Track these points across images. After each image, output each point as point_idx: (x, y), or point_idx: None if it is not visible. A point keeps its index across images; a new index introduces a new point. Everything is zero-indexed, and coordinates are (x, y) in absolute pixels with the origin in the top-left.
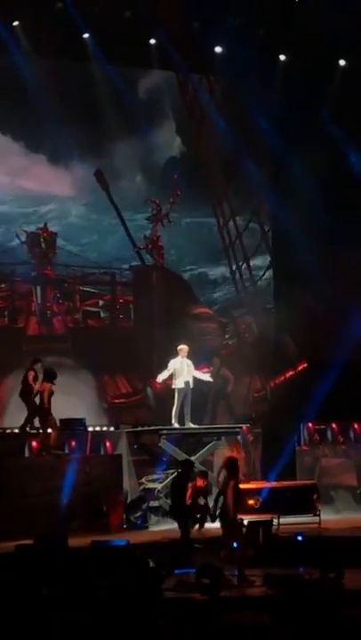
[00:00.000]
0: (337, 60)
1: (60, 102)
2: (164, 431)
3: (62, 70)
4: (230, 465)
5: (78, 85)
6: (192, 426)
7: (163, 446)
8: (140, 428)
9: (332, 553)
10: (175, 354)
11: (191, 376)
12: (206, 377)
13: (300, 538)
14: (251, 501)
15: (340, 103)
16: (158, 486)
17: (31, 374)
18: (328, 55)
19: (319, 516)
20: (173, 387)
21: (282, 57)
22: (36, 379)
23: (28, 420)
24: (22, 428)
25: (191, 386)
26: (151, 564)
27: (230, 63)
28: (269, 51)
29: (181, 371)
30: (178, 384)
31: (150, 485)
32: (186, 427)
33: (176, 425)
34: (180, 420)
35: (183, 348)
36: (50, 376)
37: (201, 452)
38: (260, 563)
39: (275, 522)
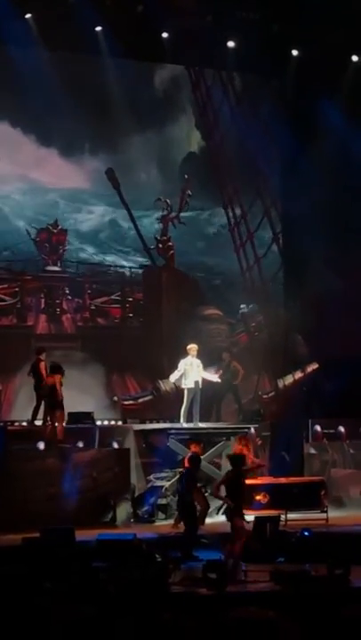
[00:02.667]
0: (350, 56)
1: (72, 96)
2: (173, 430)
3: (74, 64)
4: (233, 461)
5: (90, 79)
6: (201, 425)
7: (171, 446)
8: (148, 426)
9: (340, 549)
10: (185, 354)
11: (200, 376)
12: (215, 378)
13: (306, 533)
14: (258, 497)
15: (353, 98)
16: (166, 484)
17: (42, 364)
18: (341, 50)
19: (327, 512)
20: (183, 386)
21: (294, 52)
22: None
23: (37, 410)
24: (32, 419)
25: (200, 386)
26: (158, 558)
27: (243, 58)
28: (282, 45)
29: (191, 370)
30: (188, 384)
31: (158, 483)
32: (195, 426)
33: (185, 424)
34: (189, 420)
35: (193, 347)
36: (56, 369)
37: (210, 452)
38: (267, 558)
39: (282, 517)
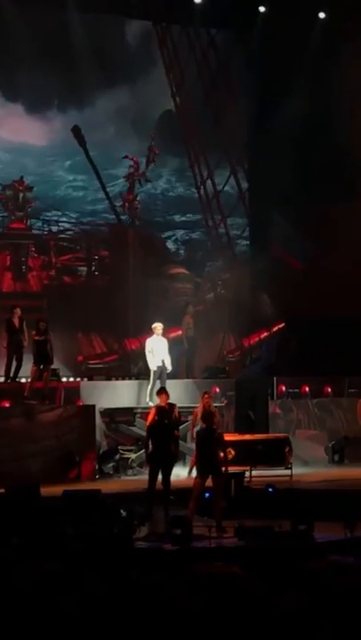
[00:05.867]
0: (317, 13)
1: (38, 51)
2: (139, 410)
3: (40, 17)
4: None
5: (57, 33)
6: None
7: (138, 425)
8: (113, 407)
9: (303, 505)
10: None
11: (167, 355)
12: (168, 364)
13: (270, 490)
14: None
15: (320, 56)
16: (133, 456)
17: (16, 320)
18: (308, 7)
19: (291, 469)
20: (151, 367)
21: (261, 8)
22: (21, 324)
23: (9, 367)
24: (13, 377)
25: (168, 366)
26: (123, 514)
27: (210, 14)
28: (249, 2)
29: (158, 350)
30: (155, 363)
31: (126, 455)
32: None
33: (150, 403)
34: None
35: (157, 326)
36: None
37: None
38: (231, 514)
39: (247, 474)
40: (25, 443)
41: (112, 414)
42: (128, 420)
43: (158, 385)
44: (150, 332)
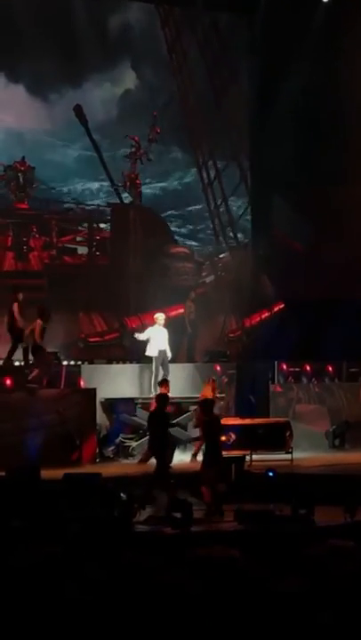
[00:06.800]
0: None
1: (41, 33)
2: (140, 400)
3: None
4: (205, 405)
5: (60, 15)
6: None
7: (139, 415)
8: (114, 397)
9: (304, 490)
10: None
11: (167, 345)
12: (168, 352)
13: (271, 474)
14: (224, 437)
15: (323, 38)
16: (133, 444)
17: (15, 306)
18: None
19: (291, 453)
20: (148, 354)
21: None
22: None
23: (12, 352)
24: (7, 359)
25: (168, 354)
26: (123, 498)
27: None
28: None
29: (156, 339)
30: (152, 352)
31: (127, 443)
32: None
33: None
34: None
35: (159, 316)
36: (40, 312)
37: (180, 418)
38: (231, 498)
39: (247, 458)
40: (26, 417)
41: (113, 404)
42: (129, 409)
43: (161, 374)
44: (152, 320)
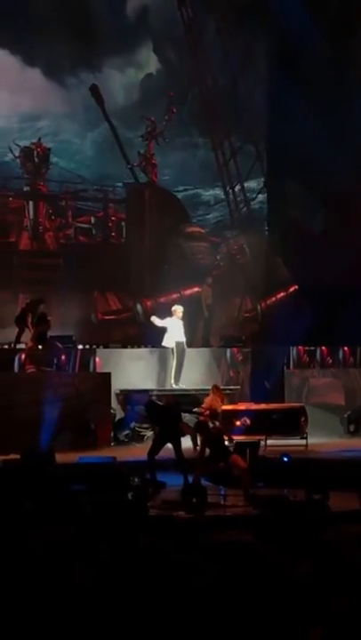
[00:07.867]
0: None
1: (57, 16)
2: (155, 392)
3: None
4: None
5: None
6: (176, 387)
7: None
8: (129, 389)
9: (318, 475)
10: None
11: (183, 337)
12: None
13: (285, 459)
14: (238, 422)
15: (340, 16)
16: (148, 433)
17: (30, 316)
18: None
19: (306, 438)
20: (165, 345)
21: None
22: (33, 321)
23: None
24: (15, 344)
25: (185, 347)
26: (136, 482)
27: None
28: None
29: (173, 331)
30: (168, 343)
31: (142, 432)
32: (176, 388)
33: (175, 386)
34: (177, 380)
35: (178, 309)
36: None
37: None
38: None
39: (262, 443)
40: (42, 390)
41: (128, 395)
42: (144, 401)
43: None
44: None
